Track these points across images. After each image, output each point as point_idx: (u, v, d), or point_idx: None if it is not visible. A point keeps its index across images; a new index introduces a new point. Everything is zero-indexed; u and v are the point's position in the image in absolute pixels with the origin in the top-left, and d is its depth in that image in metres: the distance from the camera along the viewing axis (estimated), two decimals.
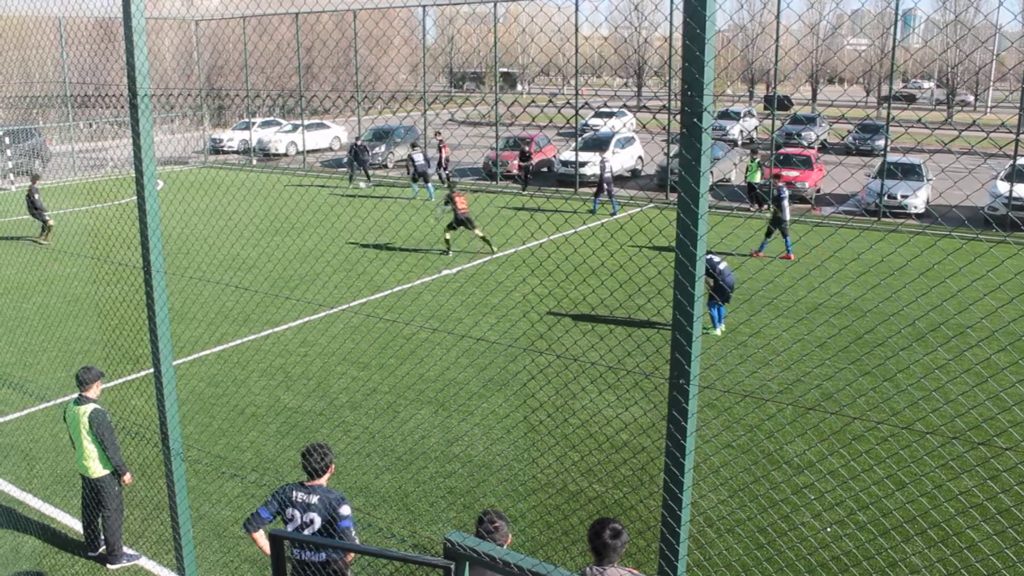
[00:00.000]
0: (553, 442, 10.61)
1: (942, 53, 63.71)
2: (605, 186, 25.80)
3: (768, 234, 20.73)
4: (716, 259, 14.56)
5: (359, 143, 32.86)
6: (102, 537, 8.51)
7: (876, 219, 25.15)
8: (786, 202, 20.20)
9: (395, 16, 46.75)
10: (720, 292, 14.58)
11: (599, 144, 33.52)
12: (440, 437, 11.00)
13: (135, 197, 6.17)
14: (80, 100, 35.43)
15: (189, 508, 6.53)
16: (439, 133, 32.74)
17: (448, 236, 21.03)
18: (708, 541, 8.57)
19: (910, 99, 71.15)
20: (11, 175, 32.78)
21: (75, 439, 8.25)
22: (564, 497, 9.46)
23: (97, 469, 8.22)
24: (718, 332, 14.94)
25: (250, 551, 8.49)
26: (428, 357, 13.75)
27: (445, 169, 31.94)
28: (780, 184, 20.93)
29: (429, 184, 29.62)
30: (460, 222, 20.76)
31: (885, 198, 25.39)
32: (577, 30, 30.31)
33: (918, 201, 25.69)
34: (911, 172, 26.56)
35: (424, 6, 35.19)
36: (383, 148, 37.84)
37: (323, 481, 6.26)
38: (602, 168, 25.98)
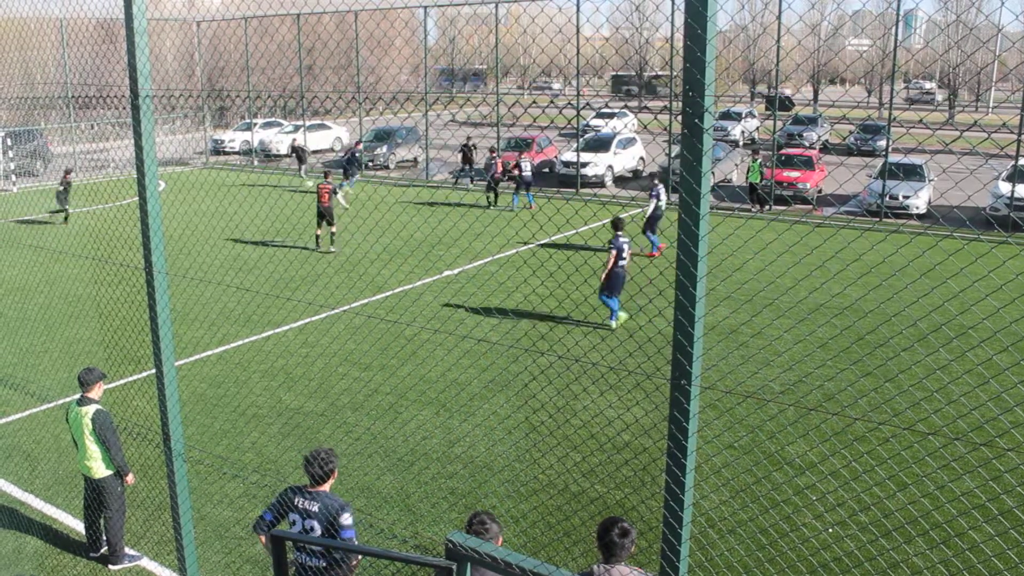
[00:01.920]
0: (555, 443, 10.61)
1: (944, 54, 63.69)
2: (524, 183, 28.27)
3: (652, 231, 21.40)
4: (625, 245, 15.36)
5: (296, 143, 33.44)
6: (104, 538, 8.52)
7: (878, 219, 25.15)
8: (655, 201, 21.03)
9: (396, 17, 46.74)
10: (614, 279, 15.25)
11: (601, 145, 33.54)
12: (442, 438, 11.00)
13: (137, 198, 6.17)
14: (82, 101, 35.47)
15: (191, 509, 6.53)
16: (493, 149, 31.47)
17: (318, 232, 21.77)
18: (710, 542, 8.57)
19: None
20: (13, 176, 32.81)
21: (77, 440, 8.25)
22: (566, 498, 9.46)
23: (99, 470, 8.23)
24: (614, 324, 15.45)
25: (252, 551, 8.49)
26: (430, 358, 13.75)
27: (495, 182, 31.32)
28: (655, 182, 21.56)
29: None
30: (320, 215, 21.50)
31: (887, 199, 25.39)
32: (578, 31, 30.31)
33: (920, 201, 25.68)
34: (913, 173, 26.56)
35: (425, 7, 35.20)
36: (385, 149, 37.84)
37: (326, 487, 6.17)
38: (520, 167, 28.23)
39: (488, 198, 28.72)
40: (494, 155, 29.42)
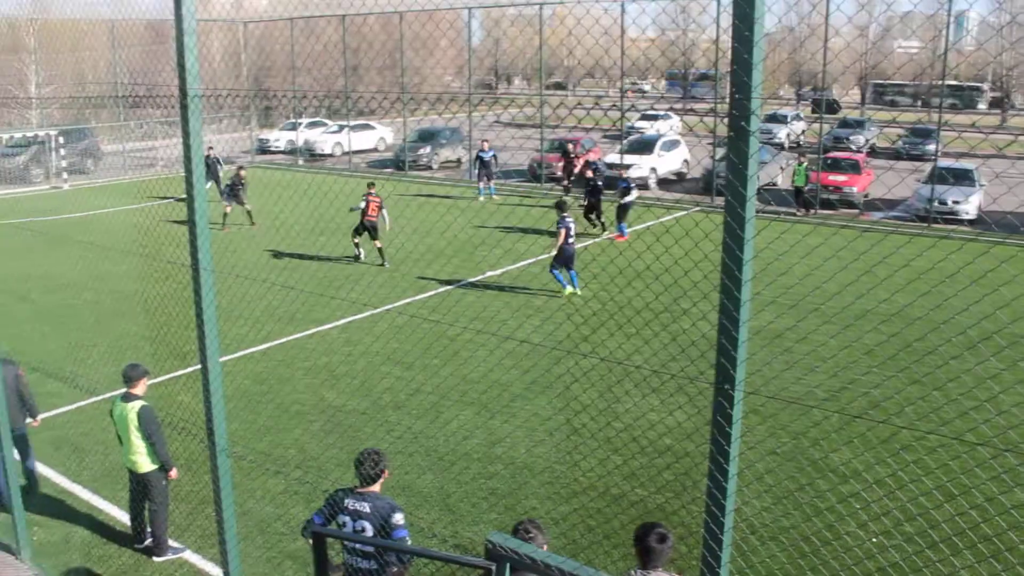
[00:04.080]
0: (596, 445, 10.57)
1: (998, 56, 62.46)
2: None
3: (620, 219, 22.74)
4: (572, 224, 17.25)
5: (210, 155, 29.11)
6: (148, 529, 8.65)
7: (926, 225, 24.74)
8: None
9: (441, 18, 46.94)
10: (564, 255, 17.16)
11: (645, 147, 33.39)
12: (482, 438, 11.02)
13: (184, 196, 6.25)
14: (131, 101, 36.04)
15: (233, 504, 6.59)
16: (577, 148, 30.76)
17: (355, 240, 20.65)
18: (751, 548, 8.49)
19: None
20: (65, 174, 33.42)
21: (123, 435, 8.38)
22: (606, 501, 9.42)
23: (144, 464, 8.35)
24: (571, 291, 17.45)
25: (292, 547, 8.56)
26: (472, 358, 13.77)
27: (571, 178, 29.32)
28: (625, 175, 23.46)
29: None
30: (365, 228, 20.35)
31: (936, 203, 24.95)
32: (623, 32, 30.21)
33: (970, 207, 25.23)
34: (963, 177, 26.09)
35: (470, 8, 35.27)
36: (428, 149, 37.96)
37: (376, 488, 6.16)
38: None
39: (592, 221, 24.32)
40: (578, 156, 28.81)
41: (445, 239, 22.77)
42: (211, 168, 28.98)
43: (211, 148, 29.72)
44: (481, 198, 29.76)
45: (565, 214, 17.18)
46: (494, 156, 30.47)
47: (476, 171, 30.37)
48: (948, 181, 25.31)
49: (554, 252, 17.37)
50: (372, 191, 20.38)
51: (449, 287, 18.26)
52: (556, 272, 17.36)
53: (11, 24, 41.50)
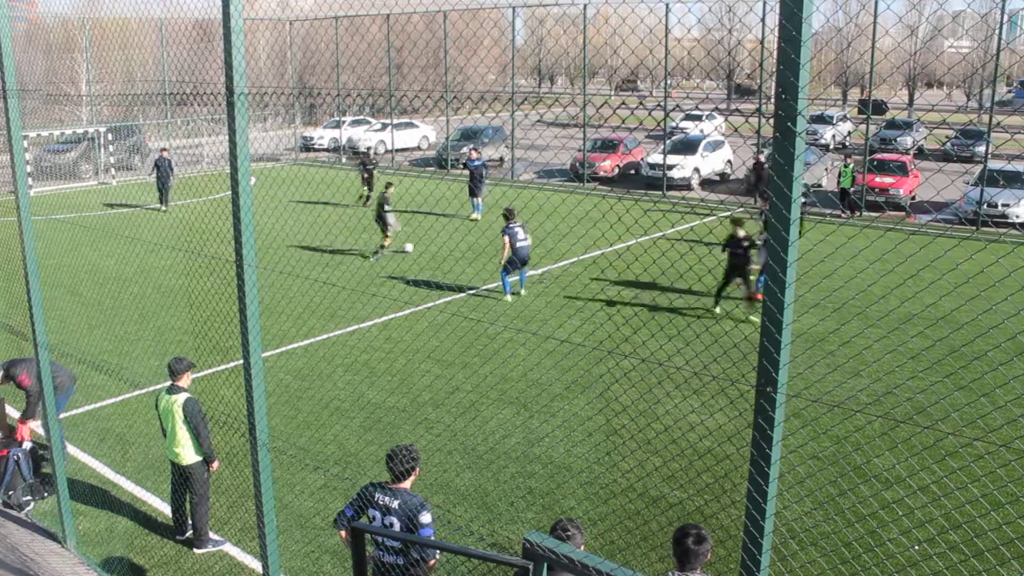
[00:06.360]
0: (635, 446, 10.52)
1: None
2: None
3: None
4: (518, 231, 17.11)
5: (163, 155, 28.10)
6: (190, 521, 8.76)
7: (975, 228, 24.31)
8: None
9: (485, 17, 47.02)
10: (513, 262, 17.19)
11: (688, 147, 33.19)
12: (521, 437, 11.01)
13: (228, 192, 6.31)
14: (178, 98, 36.53)
15: (273, 498, 6.65)
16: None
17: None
18: (791, 553, 8.40)
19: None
20: (112, 170, 33.96)
21: (168, 427, 8.50)
22: (644, 502, 9.37)
23: (188, 456, 8.46)
24: (508, 298, 17.30)
25: (331, 542, 8.62)
26: (511, 357, 13.77)
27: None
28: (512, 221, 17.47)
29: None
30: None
31: (985, 206, 24.51)
32: (668, 32, 30.03)
33: (1020, 210, 24.75)
34: (1015, 179, 25.59)
35: (514, 7, 35.28)
36: (469, 149, 38.02)
37: (407, 485, 6.19)
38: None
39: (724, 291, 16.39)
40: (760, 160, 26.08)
41: (487, 238, 22.81)
42: (162, 171, 27.82)
43: (164, 150, 28.78)
44: (475, 215, 26.34)
45: (511, 222, 17.17)
46: (484, 164, 27.00)
47: (475, 185, 26.33)
48: (999, 183, 24.84)
49: (502, 259, 17.17)
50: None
51: (489, 286, 18.28)
52: (505, 275, 17.24)
53: (64, 23, 42.30)
